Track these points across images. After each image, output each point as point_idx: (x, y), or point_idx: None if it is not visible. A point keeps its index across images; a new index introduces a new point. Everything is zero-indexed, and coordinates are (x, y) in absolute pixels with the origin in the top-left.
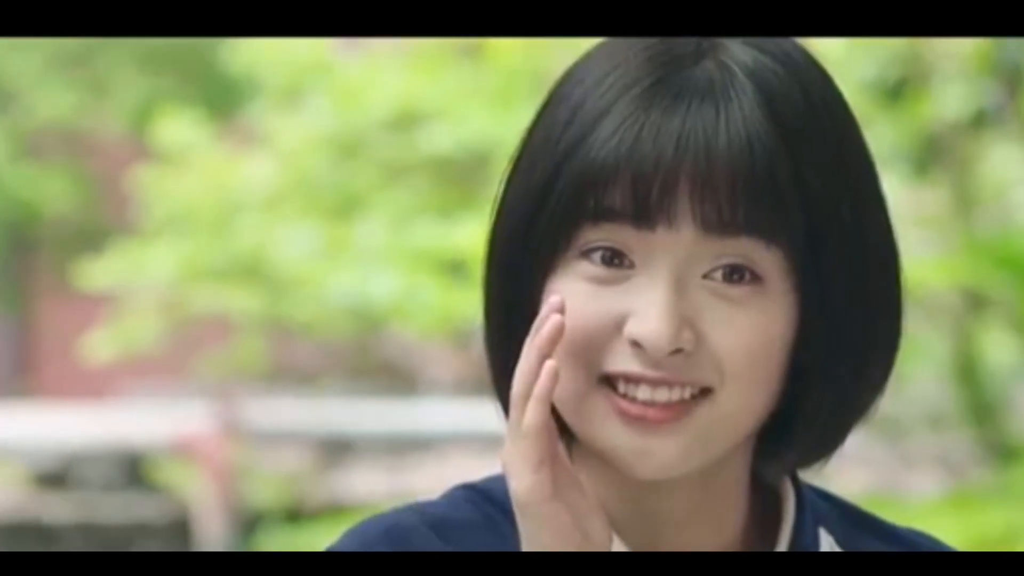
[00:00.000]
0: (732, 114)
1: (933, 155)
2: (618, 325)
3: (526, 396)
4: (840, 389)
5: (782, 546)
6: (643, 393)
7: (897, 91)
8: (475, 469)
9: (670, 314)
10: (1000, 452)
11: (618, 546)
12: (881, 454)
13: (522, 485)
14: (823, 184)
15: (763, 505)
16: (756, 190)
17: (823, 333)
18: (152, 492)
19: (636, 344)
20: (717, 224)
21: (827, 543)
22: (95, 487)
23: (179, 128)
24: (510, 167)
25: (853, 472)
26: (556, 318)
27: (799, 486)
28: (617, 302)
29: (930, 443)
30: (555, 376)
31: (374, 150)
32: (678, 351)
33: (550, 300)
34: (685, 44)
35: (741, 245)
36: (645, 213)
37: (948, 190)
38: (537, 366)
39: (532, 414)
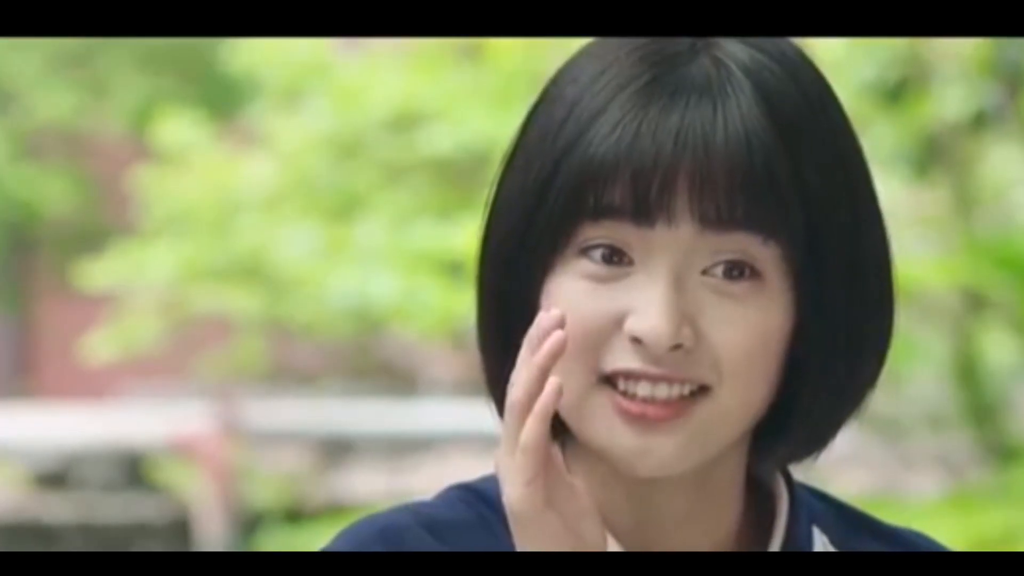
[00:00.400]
0: (730, 110)
1: (933, 156)
2: (618, 322)
3: (525, 409)
4: (835, 385)
5: (775, 546)
6: (643, 390)
7: (897, 92)
8: (475, 469)
9: (670, 310)
10: (1000, 452)
11: (613, 546)
12: (881, 454)
13: (514, 496)
14: (820, 181)
15: (757, 504)
16: (754, 186)
17: (819, 329)
18: (152, 492)
19: (636, 340)
20: (715, 220)
21: (821, 543)
22: (95, 487)
23: (179, 128)
24: (503, 166)
25: (853, 472)
26: (558, 334)
27: (792, 485)
28: (616, 299)
29: (930, 443)
30: (558, 394)
31: (374, 150)
32: (678, 347)
33: (550, 313)
34: (679, 43)
35: (739, 241)
36: (645, 210)
37: (948, 190)
38: (537, 381)
39: (531, 431)
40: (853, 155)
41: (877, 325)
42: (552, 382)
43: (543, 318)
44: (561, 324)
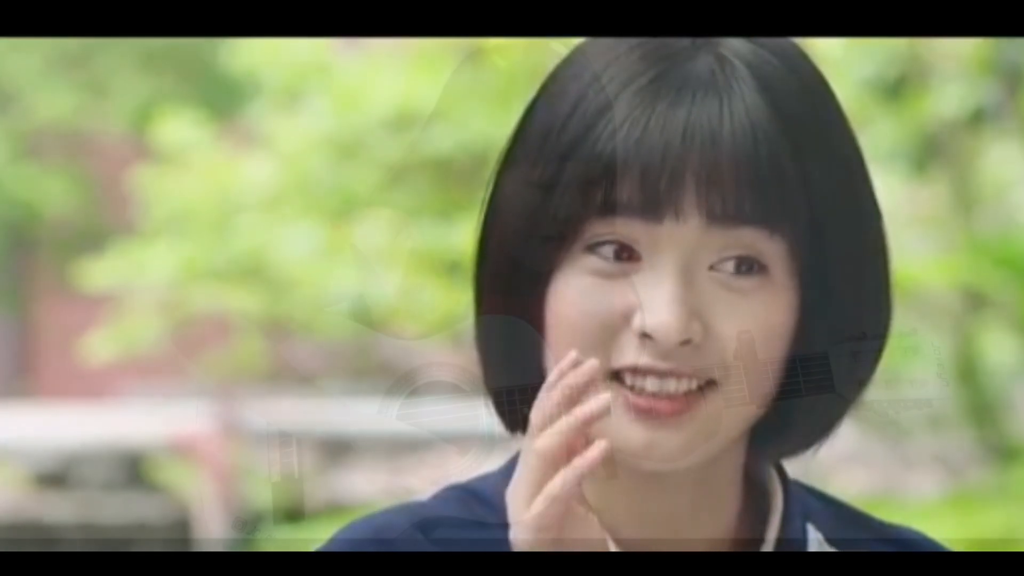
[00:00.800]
0: (735, 105)
1: (932, 153)
2: (626, 318)
3: (558, 461)
4: (836, 379)
5: (769, 542)
6: (652, 384)
7: (896, 89)
8: (474, 469)
9: (680, 305)
10: (1000, 452)
11: (611, 545)
12: (881, 454)
13: (522, 537)
14: (823, 174)
15: (753, 501)
16: (760, 179)
17: (822, 324)
18: (152, 492)
19: (646, 336)
20: (722, 214)
21: (815, 539)
22: (95, 487)
23: (179, 128)
24: (501, 165)
25: (853, 472)
26: (608, 397)
27: (787, 482)
28: (624, 296)
29: (930, 443)
30: (603, 455)
31: (374, 151)
32: (687, 342)
33: (589, 363)
34: (679, 40)
35: (745, 235)
36: (653, 205)
37: (947, 188)
38: (577, 433)
39: (562, 484)
40: (852, 150)
41: (877, 320)
42: (601, 445)
43: (584, 369)
44: (595, 373)
